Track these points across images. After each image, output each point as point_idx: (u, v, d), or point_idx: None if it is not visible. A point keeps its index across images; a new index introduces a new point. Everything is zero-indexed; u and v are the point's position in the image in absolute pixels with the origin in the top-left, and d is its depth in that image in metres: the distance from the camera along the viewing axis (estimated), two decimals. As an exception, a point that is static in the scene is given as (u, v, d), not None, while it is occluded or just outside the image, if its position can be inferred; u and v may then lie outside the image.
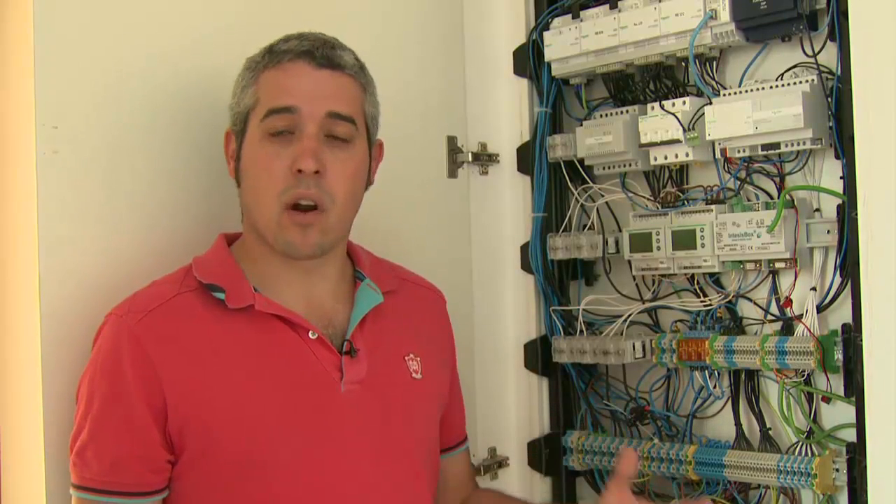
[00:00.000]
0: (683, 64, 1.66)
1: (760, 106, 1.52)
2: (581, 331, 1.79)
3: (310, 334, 1.23)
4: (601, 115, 1.78)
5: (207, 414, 1.16)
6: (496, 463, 1.85)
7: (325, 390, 1.23)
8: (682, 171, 1.73)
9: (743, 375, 1.65)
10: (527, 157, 1.86)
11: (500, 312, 1.88)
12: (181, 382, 1.16)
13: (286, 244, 1.22)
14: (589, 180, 1.82)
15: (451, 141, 1.85)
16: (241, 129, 1.26)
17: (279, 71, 1.23)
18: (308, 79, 1.23)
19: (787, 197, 1.54)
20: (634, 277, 1.78)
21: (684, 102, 1.64)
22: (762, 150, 1.55)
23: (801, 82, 1.52)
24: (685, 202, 1.70)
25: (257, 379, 1.20)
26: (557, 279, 1.85)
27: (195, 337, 1.19)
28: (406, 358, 1.33)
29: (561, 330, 1.82)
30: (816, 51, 1.52)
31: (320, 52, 1.23)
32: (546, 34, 1.80)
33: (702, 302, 1.69)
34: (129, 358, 1.15)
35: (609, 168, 1.77)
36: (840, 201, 1.50)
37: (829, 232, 1.52)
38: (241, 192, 1.28)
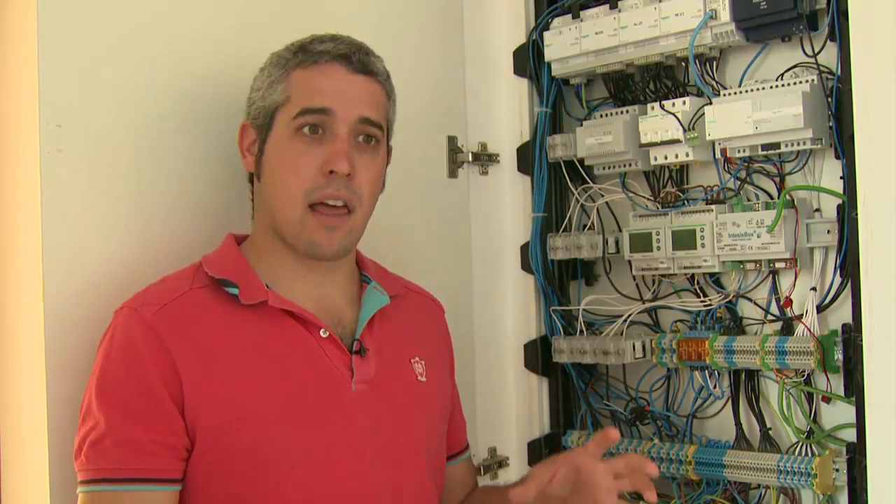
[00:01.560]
0: (683, 64, 1.67)
1: (760, 106, 1.52)
2: (581, 331, 1.79)
3: (321, 332, 1.24)
4: (601, 115, 1.78)
5: (219, 408, 1.16)
6: (496, 463, 1.85)
7: (337, 388, 1.23)
8: (682, 171, 1.73)
9: (743, 375, 1.65)
10: (527, 157, 1.86)
11: (500, 312, 1.88)
12: (196, 374, 1.16)
13: (310, 244, 1.23)
14: (589, 180, 1.82)
15: (451, 141, 1.85)
16: (265, 123, 1.26)
17: (314, 71, 1.24)
18: (343, 82, 1.24)
19: (787, 197, 1.55)
20: (634, 277, 1.78)
21: (684, 102, 1.65)
22: (762, 150, 1.56)
23: (801, 82, 1.52)
24: (685, 202, 1.70)
25: (269, 374, 1.20)
26: (557, 279, 1.86)
27: (208, 331, 1.20)
28: (412, 361, 1.34)
29: (561, 330, 1.82)
30: (816, 51, 1.52)
31: (356, 56, 1.25)
32: (546, 34, 1.80)
33: (702, 302, 1.69)
34: (146, 346, 1.16)
35: (609, 168, 1.77)
36: (840, 201, 1.50)
37: (829, 232, 1.52)
38: (259, 188, 1.29)
